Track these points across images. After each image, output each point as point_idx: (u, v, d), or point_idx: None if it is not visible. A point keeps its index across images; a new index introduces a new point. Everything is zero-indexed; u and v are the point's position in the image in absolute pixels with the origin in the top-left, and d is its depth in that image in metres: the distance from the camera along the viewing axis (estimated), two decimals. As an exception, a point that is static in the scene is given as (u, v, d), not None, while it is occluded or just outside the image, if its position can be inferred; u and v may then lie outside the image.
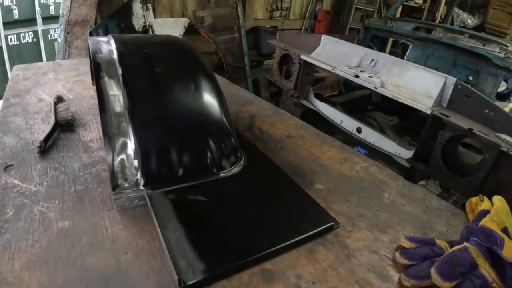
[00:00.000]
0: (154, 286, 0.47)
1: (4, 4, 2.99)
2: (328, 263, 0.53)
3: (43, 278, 0.46)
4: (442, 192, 1.90)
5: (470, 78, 2.41)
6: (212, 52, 3.78)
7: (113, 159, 0.62)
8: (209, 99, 0.75)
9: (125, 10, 2.87)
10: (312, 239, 0.57)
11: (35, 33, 3.32)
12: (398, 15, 4.75)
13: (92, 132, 0.85)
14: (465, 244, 0.53)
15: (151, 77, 0.72)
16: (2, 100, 1.00)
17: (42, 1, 3.28)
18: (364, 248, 0.57)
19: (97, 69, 0.71)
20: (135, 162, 0.63)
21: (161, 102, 0.69)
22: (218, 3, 3.68)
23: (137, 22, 2.92)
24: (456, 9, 5.25)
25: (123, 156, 0.63)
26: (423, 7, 5.30)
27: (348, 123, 1.85)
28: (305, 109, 2.08)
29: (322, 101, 2.05)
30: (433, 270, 0.48)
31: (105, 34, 2.81)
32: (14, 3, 3.06)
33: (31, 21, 3.27)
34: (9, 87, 1.07)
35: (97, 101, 0.68)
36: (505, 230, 0.57)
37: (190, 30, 3.27)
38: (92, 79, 1.15)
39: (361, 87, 2.01)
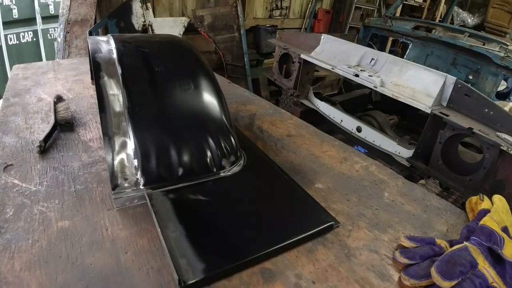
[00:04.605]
0: (154, 285, 0.47)
1: (4, 4, 2.99)
2: (328, 263, 0.53)
3: (43, 278, 0.46)
4: (442, 191, 1.91)
5: (470, 77, 2.41)
6: (211, 51, 3.79)
7: (112, 159, 0.62)
8: (208, 98, 0.75)
9: (125, 9, 2.87)
10: (312, 238, 0.57)
11: (35, 32, 3.32)
12: (398, 14, 4.76)
13: (91, 132, 0.85)
14: (465, 243, 0.53)
15: (150, 76, 0.72)
16: (1, 100, 1.00)
17: (41, 1, 3.28)
18: (364, 247, 0.57)
19: (97, 69, 0.71)
20: (135, 162, 0.62)
21: (161, 102, 0.69)
22: (218, 2, 3.69)
23: (137, 21, 2.92)
24: (456, 8, 5.26)
25: (122, 155, 0.63)
26: (423, 6, 5.31)
27: (348, 122, 1.85)
28: (305, 108, 2.08)
29: (322, 100, 2.05)
30: (433, 269, 0.48)
31: (105, 33, 2.82)
32: (14, 2, 3.06)
33: (30, 21, 3.27)
34: (8, 87, 1.07)
35: (96, 101, 0.68)
36: (505, 229, 0.57)
37: (189, 29, 3.27)
38: (92, 79, 1.15)
39: (361, 86, 2.02)
